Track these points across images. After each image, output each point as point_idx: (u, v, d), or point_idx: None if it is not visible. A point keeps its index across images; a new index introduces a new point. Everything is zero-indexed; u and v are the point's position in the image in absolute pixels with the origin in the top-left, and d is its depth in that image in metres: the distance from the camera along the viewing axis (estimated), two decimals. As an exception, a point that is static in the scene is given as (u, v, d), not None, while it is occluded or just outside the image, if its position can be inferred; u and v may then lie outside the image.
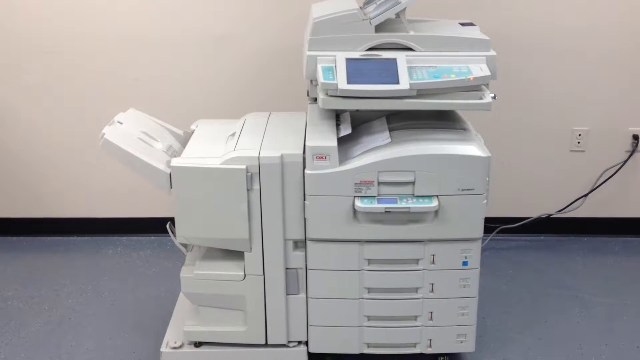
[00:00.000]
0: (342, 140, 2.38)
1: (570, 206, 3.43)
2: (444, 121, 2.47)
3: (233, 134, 2.49)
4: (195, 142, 2.50)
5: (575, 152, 3.40)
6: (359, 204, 2.27)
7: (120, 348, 2.69)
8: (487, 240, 3.33)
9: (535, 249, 3.43)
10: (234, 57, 3.28)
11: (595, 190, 3.42)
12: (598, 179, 3.41)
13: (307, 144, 2.27)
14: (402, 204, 2.27)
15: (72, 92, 3.34)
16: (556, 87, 3.30)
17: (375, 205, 2.27)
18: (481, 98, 2.27)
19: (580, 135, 3.37)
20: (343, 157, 2.30)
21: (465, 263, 2.39)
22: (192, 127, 2.66)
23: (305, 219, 2.34)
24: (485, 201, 2.33)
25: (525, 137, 3.38)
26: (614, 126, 3.37)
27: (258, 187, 2.30)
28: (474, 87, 2.28)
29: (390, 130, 2.40)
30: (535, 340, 2.73)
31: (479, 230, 2.35)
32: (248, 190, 2.29)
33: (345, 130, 2.35)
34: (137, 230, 3.52)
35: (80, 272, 3.23)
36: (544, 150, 3.40)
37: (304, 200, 2.32)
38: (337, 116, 2.47)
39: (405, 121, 2.45)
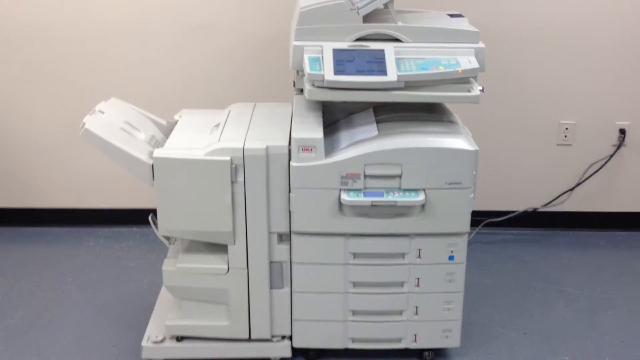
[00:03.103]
0: (328, 132, 2.35)
1: (556, 200, 3.42)
2: (431, 113, 2.44)
3: (217, 125, 2.45)
4: (179, 132, 2.46)
5: (562, 145, 3.39)
6: (344, 197, 2.24)
7: (101, 342, 2.64)
8: (473, 234, 3.31)
9: (521, 242, 3.42)
10: (219, 46, 3.23)
11: (582, 184, 3.41)
12: (584, 173, 3.39)
13: (292, 135, 2.23)
14: (388, 198, 2.24)
15: (52, 81, 3.29)
16: (544, 80, 3.28)
17: (361, 199, 2.24)
18: (469, 91, 2.24)
19: (567, 129, 3.36)
20: (329, 149, 2.27)
21: (451, 257, 2.37)
22: (176, 117, 2.61)
23: (290, 211, 2.30)
24: (472, 195, 2.30)
25: (512, 131, 3.35)
26: (600, 120, 3.35)
27: (242, 179, 2.26)
28: (462, 80, 2.25)
29: (378, 122, 2.37)
30: (521, 334, 2.72)
31: (465, 224, 2.33)
32: (232, 182, 2.25)
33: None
34: (119, 221, 3.47)
35: (60, 264, 3.18)
36: (531, 143, 3.38)
37: (289, 192, 2.28)
38: (323, 107, 2.42)
39: (393, 113, 2.41)
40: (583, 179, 3.39)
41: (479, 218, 3.31)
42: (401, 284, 2.40)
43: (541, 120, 3.34)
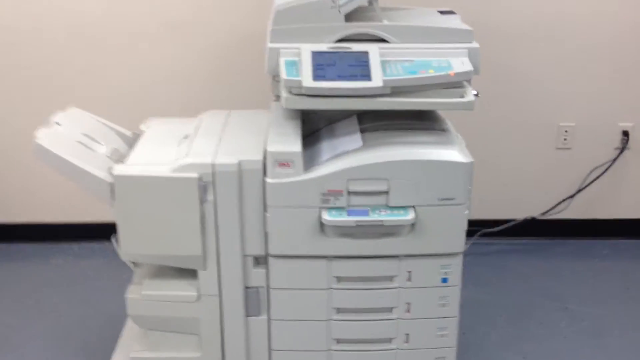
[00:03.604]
0: (308, 143, 2.13)
1: (556, 208, 3.21)
2: (421, 121, 2.22)
3: (187, 136, 2.23)
4: (144, 145, 2.23)
5: (561, 149, 3.17)
6: (326, 216, 2.02)
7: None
8: (467, 245, 3.07)
9: (518, 253, 3.21)
10: (191, 48, 3.00)
11: (583, 190, 3.20)
12: (585, 179, 3.18)
13: (267, 149, 2.01)
14: (374, 217, 2.02)
15: (9, 87, 3.03)
16: (541, 80, 3.07)
17: (344, 219, 2.02)
18: (462, 96, 2.04)
19: (566, 131, 3.14)
20: (309, 164, 2.04)
21: (444, 280, 2.15)
22: (142, 127, 2.38)
23: (266, 232, 2.08)
24: (467, 212, 2.08)
25: (508, 134, 3.14)
26: (602, 122, 3.14)
27: (213, 198, 2.04)
28: (454, 84, 2.04)
29: (362, 131, 2.15)
30: (520, 359, 2.50)
31: (459, 244, 2.11)
32: (201, 201, 2.03)
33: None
34: (90, 236, 3.22)
35: (23, 284, 2.95)
36: (528, 147, 3.17)
37: (265, 212, 2.06)
38: (303, 115, 2.20)
39: (379, 121, 2.19)
40: (584, 184, 3.18)
41: (474, 228, 3.04)
42: (390, 310, 2.18)
43: (539, 122, 3.13)
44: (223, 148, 2.09)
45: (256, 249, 2.11)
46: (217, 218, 2.06)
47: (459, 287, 2.17)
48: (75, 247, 3.23)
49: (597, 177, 3.17)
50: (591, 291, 2.91)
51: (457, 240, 2.10)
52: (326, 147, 2.13)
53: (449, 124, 2.25)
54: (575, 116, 3.13)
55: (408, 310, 2.18)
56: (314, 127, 2.28)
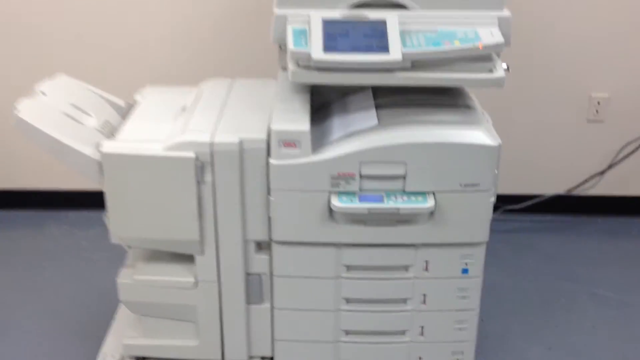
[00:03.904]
0: (317, 119, 1.94)
1: (585, 184, 2.99)
2: (443, 96, 2.01)
3: (185, 109, 2.03)
4: (137, 118, 2.04)
5: (592, 122, 2.94)
6: (335, 202, 1.82)
7: (52, 355, 2.27)
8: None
9: (542, 231, 3.01)
10: (192, 9, 2.76)
11: (615, 166, 2.97)
12: (618, 153, 2.95)
13: (272, 127, 1.81)
14: (389, 204, 1.83)
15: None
16: (571, 46, 2.82)
17: (355, 205, 1.83)
18: (491, 70, 1.82)
19: (599, 103, 2.91)
20: (317, 143, 1.85)
21: (465, 271, 1.97)
22: (137, 97, 2.19)
23: (269, 217, 1.90)
24: (493, 199, 1.89)
25: (534, 105, 2.91)
26: (638, 92, 2.89)
27: (211, 179, 1.85)
28: (482, 57, 1.82)
29: (378, 107, 1.94)
30: (545, 350, 2.33)
31: (483, 233, 1.92)
32: (198, 182, 1.85)
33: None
34: (87, 203, 3.03)
35: (16, 256, 2.80)
36: (556, 120, 2.94)
37: (268, 195, 1.87)
38: (312, 86, 1.99)
39: (396, 96, 1.98)
40: (616, 159, 2.96)
41: (496, 204, 2.87)
42: (404, 301, 2.01)
43: (568, 92, 2.89)
44: (223, 124, 1.90)
45: (258, 234, 1.93)
46: (215, 201, 1.88)
47: (480, 279, 1.99)
48: (72, 214, 3.06)
49: (631, 153, 2.94)
50: (621, 276, 2.72)
51: (481, 230, 1.91)
52: (337, 124, 1.93)
53: (475, 100, 2.04)
54: (609, 86, 2.89)
55: (424, 302, 2.01)
56: (325, 99, 2.08)
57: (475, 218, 1.89)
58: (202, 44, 2.80)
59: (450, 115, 1.91)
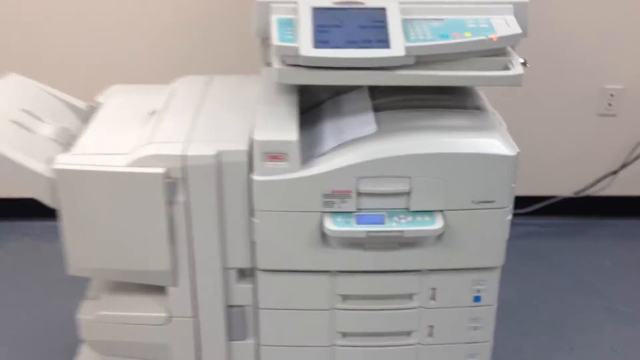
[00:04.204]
0: (306, 123, 1.68)
1: (596, 185, 2.75)
2: (450, 96, 1.75)
3: (154, 112, 1.76)
4: (98, 125, 1.76)
5: (604, 116, 2.69)
6: (329, 225, 1.56)
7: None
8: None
9: (550, 237, 2.76)
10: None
11: (629, 165, 2.72)
12: (633, 151, 2.71)
13: (255, 137, 1.54)
14: (391, 226, 1.57)
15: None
16: (582, 33, 2.55)
17: (352, 228, 1.57)
18: (507, 67, 1.57)
19: (612, 95, 2.66)
20: (307, 154, 1.59)
21: (477, 299, 1.72)
22: (100, 98, 1.91)
23: (253, 242, 1.63)
24: (510, 216, 1.63)
25: (541, 97, 2.64)
26: (654, 84, 2.65)
27: (184, 199, 1.58)
28: (496, 51, 1.57)
29: (376, 110, 1.68)
30: (561, 378, 2.09)
31: (498, 256, 1.68)
32: (169, 203, 1.58)
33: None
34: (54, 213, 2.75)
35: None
36: (565, 114, 2.68)
37: (252, 217, 1.60)
38: (301, 85, 1.73)
39: (396, 96, 1.73)
40: (631, 158, 2.71)
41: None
42: (408, 334, 1.76)
43: (579, 84, 2.64)
44: (198, 132, 1.63)
45: (240, 261, 1.67)
46: (190, 224, 1.61)
47: (494, 307, 1.74)
48: (36, 224, 2.77)
49: (647, 150, 2.70)
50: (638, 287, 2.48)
51: (496, 252, 1.67)
52: (330, 131, 1.67)
53: (485, 99, 1.78)
54: (623, 77, 2.64)
55: (430, 335, 1.76)
56: (315, 98, 1.82)
57: (490, 239, 1.64)
58: (175, 35, 2.51)
59: (460, 119, 1.66)
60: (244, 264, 1.67)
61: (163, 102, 1.80)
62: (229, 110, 1.73)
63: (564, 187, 2.76)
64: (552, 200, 2.71)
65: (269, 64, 1.65)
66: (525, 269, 2.57)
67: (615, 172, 2.72)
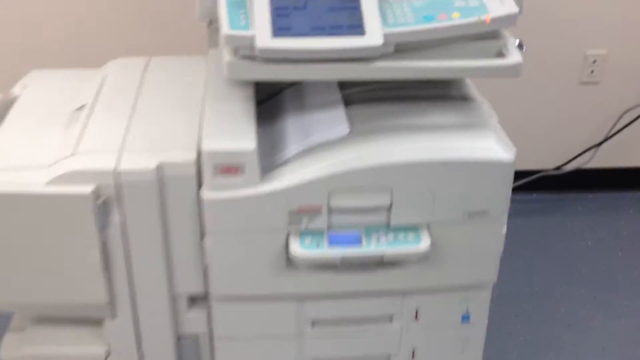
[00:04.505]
0: (263, 124, 1.42)
1: (577, 159, 2.54)
2: (431, 84, 1.49)
3: (81, 108, 1.47)
4: (13, 126, 1.46)
5: (586, 84, 2.47)
6: (296, 248, 1.31)
7: None
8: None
9: (528, 214, 2.55)
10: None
11: (612, 137, 2.52)
12: (616, 122, 2.50)
13: (203, 147, 1.27)
14: (370, 247, 1.33)
15: None
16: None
17: (324, 252, 1.32)
18: (502, 53, 1.32)
19: (594, 61, 2.43)
20: (266, 162, 1.32)
21: (465, 318, 1.50)
22: (16, 89, 1.60)
23: (205, 266, 1.38)
24: (505, 228, 1.40)
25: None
26: (640, 49, 2.43)
27: (119, 220, 1.31)
28: (489, 35, 1.32)
29: (346, 103, 1.42)
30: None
31: (491, 272, 1.45)
32: (101, 227, 1.30)
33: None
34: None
35: None
36: (544, 82, 2.45)
37: (203, 238, 1.34)
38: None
39: (369, 85, 1.47)
40: (614, 130, 2.50)
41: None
42: (387, 358, 1.53)
43: (560, 50, 2.40)
44: (134, 138, 1.35)
45: (191, 286, 1.42)
46: (127, 249, 1.34)
47: (484, 327, 1.52)
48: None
49: (632, 122, 2.48)
50: (627, 268, 2.29)
51: (488, 268, 1.44)
52: (293, 130, 1.40)
53: (470, 84, 1.53)
54: (607, 42, 2.41)
55: (413, 357, 1.53)
56: (274, 85, 1.54)
57: (482, 254, 1.42)
58: (108, 10, 2.18)
59: (445, 114, 1.41)
60: (196, 289, 1.42)
61: (92, 93, 1.51)
62: (171, 105, 1.45)
63: (544, 161, 2.54)
64: (531, 177, 2.49)
65: (215, 46, 1.38)
66: (507, 254, 2.34)
67: (598, 145, 2.51)
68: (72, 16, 2.14)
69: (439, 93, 1.47)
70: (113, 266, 1.35)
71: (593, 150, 2.51)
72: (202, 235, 1.34)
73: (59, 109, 1.51)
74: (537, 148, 2.52)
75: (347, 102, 1.43)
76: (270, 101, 1.53)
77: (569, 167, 2.54)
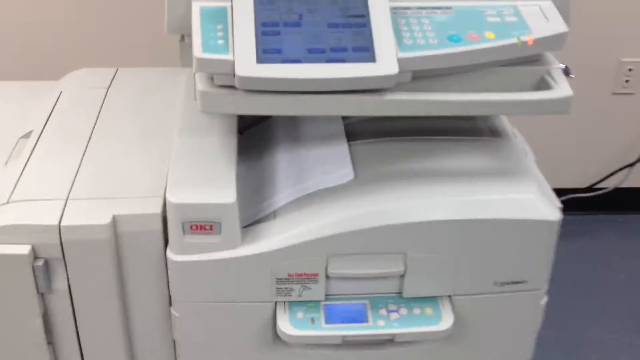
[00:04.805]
0: (245, 161, 1.14)
1: (608, 179, 2.27)
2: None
3: (28, 135, 1.21)
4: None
5: (620, 95, 2.19)
6: (285, 326, 1.05)
7: None
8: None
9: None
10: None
11: (650, 154, 2.25)
12: (654, 137, 2.23)
13: (168, 197, 1.00)
14: (377, 325, 1.06)
15: None
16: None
17: (319, 332, 1.05)
18: (545, 81, 1.05)
19: (630, 70, 2.15)
20: (250, 213, 1.06)
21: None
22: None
23: (173, 340, 1.12)
24: (546, 299, 1.14)
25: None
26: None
27: (65, 286, 1.05)
28: (529, 58, 1.04)
29: (350, 138, 1.15)
30: None
31: (526, 351, 1.18)
32: (43, 292, 1.04)
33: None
34: None
35: None
36: (573, 92, 2.15)
37: (170, 307, 1.08)
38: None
39: (379, 120, 1.20)
40: (651, 146, 2.23)
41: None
42: None
43: (591, 57, 2.11)
44: (86, 180, 1.08)
45: (156, 358, 1.15)
46: (75, 317, 1.08)
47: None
48: None
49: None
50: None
51: (523, 346, 1.17)
52: (285, 170, 1.14)
53: (501, 117, 1.26)
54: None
55: None
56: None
57: (516, 330, 1.15)
58: (75, 16, 1.90)
59: (471, 154, 1.14)
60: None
61: (43, 115, 1.25)
62: (136, 135, 1.19)
63: (573, 180, 2.27)
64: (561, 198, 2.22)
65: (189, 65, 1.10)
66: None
67: (632, 165, 2.23)
68: (31, 17, 1.85)
69: (462, 125, 1.20)
70: (59, 338, 1.09)
71: (627, 169, 2.24)
72: (169, 302, 1.07)
73: (4, 133, 1.24)
74: (566, 165, 2.25)
75: (350, 134, 1.16)
76: (257, 127, 1.26)
77: (601, 187, 2.26)
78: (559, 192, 1.15)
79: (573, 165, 2.26)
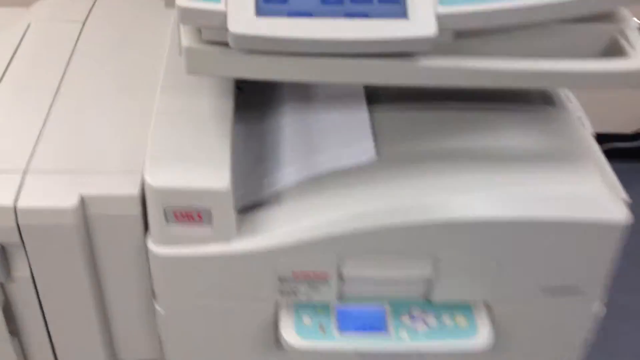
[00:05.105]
0: (244, 136, 0.95)
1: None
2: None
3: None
4: None
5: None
6: (290, 335, 0.88)
7: None
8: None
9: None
10: None
11: None
12: None
13: (146, 178, 0.81)
14: (398, 338, 0.88)
15: None
16: None
17: (330, 343, 0.88)
18: (616, 41, 0.83)
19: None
20: (247, 193, 0.87)
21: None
22: None
23: (158, 336, 0.96)
24: (599, 308, 0.95)
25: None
26: None
27: (28, 273, 0.88)
28: (598, 17, 0.81)
29: (369, 101, 0.95)
30: None
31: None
32: (0, 283, 0.88)
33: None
34: None
35: None
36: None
37: (154, 300, 0.91)
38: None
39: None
40: None
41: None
42: None
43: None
44: (49, 148, 0.90)
45: (141, 352, 1.00)
46: (40, 307, 0.92)
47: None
48: None
49: None
50: None
51: (570, 357, 0.99)
52: (292, 142, 0.94)
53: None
54: None
55: None
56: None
57: (564, 341, 0.97)
58: None
59: (518, 131, 0.93)
60: (148, 355, 1.00)
61: (2, 58, 1.06)
62: (114, 88, 0.99)
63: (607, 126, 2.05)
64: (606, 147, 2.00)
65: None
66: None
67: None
68: None
69: (511, 95, 0.99)
70: (25, 330, 0.94)
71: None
72: (153, 295, 0.91)
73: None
74: (611, 109, 2.02)
75: (370, 99, 0.96)
76: (258, 86, 1.05)
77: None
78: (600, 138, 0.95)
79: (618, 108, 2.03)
